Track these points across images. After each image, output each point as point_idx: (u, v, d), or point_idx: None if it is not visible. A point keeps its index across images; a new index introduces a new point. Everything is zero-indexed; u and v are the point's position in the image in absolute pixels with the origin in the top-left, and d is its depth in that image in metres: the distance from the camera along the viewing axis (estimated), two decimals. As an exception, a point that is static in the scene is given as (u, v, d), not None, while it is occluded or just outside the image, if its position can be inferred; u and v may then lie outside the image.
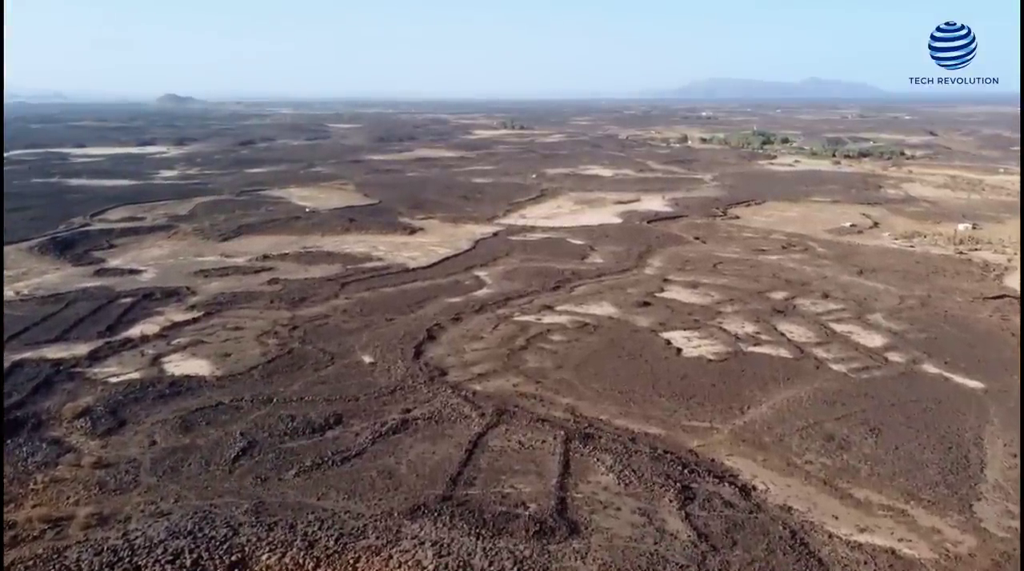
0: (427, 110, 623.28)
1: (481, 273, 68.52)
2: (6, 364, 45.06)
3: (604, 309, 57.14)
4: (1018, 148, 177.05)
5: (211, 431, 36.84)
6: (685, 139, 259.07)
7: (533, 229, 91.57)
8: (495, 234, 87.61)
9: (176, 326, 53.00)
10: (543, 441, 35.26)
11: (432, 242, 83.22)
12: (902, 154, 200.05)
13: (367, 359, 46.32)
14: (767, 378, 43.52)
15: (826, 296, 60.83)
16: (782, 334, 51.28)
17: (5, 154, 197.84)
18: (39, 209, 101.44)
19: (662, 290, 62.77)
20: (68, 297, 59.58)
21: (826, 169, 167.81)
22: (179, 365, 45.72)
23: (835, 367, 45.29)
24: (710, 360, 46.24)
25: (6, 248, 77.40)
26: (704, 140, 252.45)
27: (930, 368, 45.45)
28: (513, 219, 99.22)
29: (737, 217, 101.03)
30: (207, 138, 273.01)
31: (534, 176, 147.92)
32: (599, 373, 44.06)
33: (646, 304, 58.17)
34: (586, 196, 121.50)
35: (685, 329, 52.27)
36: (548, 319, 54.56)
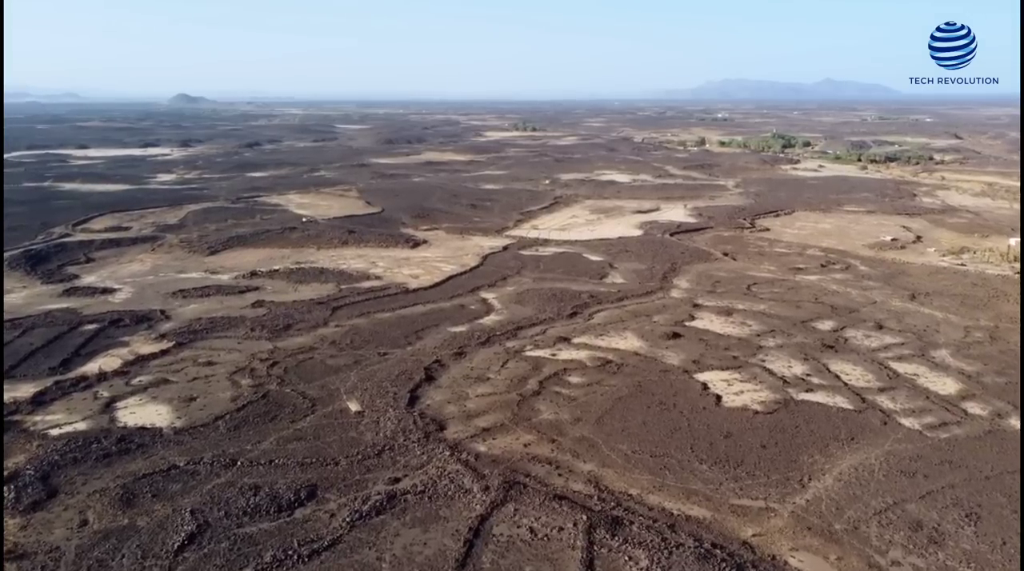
0: (438, 110, 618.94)
1: (489, 295, 61.83)
2: (-67, 410, 38.86)
3: (628, 342, 50.33)
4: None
5: (157, 507, 30.31)
6: (703, 142, 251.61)
7: (546, 242, 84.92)
8: (505, 248, 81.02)
9: (140, 360, 46.59)
10: (560, 529, 28.50)
11: (436, 257, 76.64)
12: (930, 158, 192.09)
13: (353, 407, 39.72)
14: (827, 437, 36.60)
15: (880, 326, 53.75)
16: (836, 376, 44.29)
17: (7, 155, 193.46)
18: (20, 217, 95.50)
19: (692, 318, 55.88)
20: (26, 323, 53.34)
21: (854, 175, 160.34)
22: (134, 412, 39.26)
23: (906, 422, 38.28)
24: (756, 412, 39.32)
25: (-27, 262, 71.64)
26: (723, 143, 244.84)
27: (1018, 424, 38.37)
28: (525, 230, 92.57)
29: (767, 229, 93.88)
30: (213, 139, 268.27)
31: (547, 182, 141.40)
32: (626, 429, 37.25)
33: (675, 336, 51.32)
34: (603, 204, 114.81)
35: (723, 369, 45.36)
36: (564, 354, 47.81)
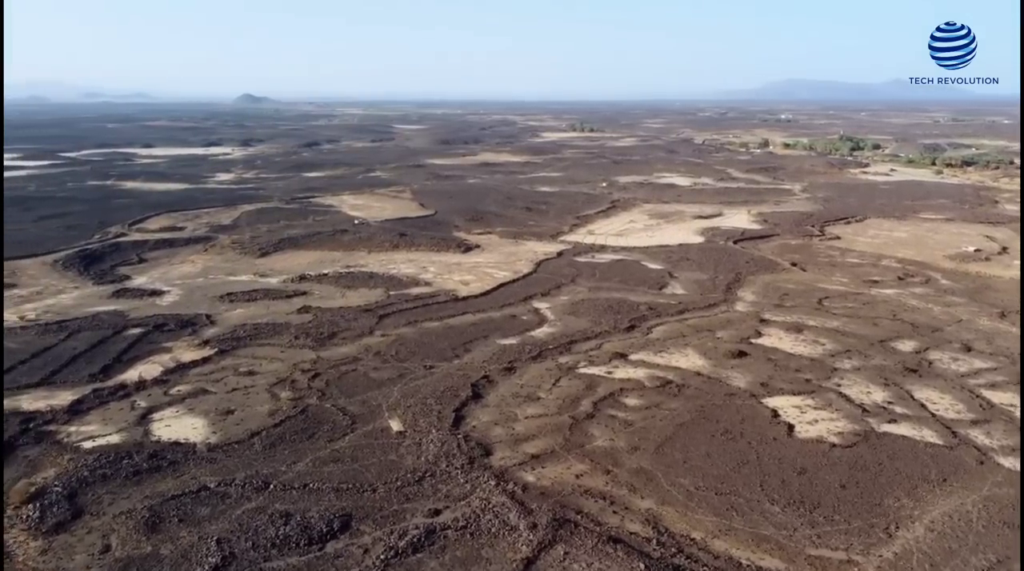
0: (495, 111, 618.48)
1: (541, 305, 59.08)
2: (-29, 418, 38.02)
3: (689, 360, 46.96)
4: None
5: (182, 533, 28.45)
6: (766, 144, 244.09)
7: (603, 248, 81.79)
8: (559, 254, 78.17)
9: (181, 368, 45.30)
10: (615, 579, 25.62)
11: (489, 263, 74.26)
12: (1011, 163, 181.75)
13: (395, 426, 37.44)
14: (915, 477, 32.79)
15: (968, 348, 49.18)
16: (922, 405, 40.22)
17: (76, 154, 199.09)
18: (79, 216, 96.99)
19: (759, 334, 52.13)
20: (73, 326, 52.72)
21: (928, 179, 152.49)
22: (170, 425, 37.73)
23: (1005, 462, 34.16)
24: (833, 445, 35.65)
25: (29, 261, 72.41)
26: (787, 145, 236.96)
27: None
28: (580, 235, 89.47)
29: (837, 237, 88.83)
30: (273, 139, 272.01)
31: (604, 185, 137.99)
32: (688, 460, 34.06)
33: (741, 354, 47.72)
34: (662, 209, 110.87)
35: (795, 394, 41.68)
36: (621, 372, 44.76)
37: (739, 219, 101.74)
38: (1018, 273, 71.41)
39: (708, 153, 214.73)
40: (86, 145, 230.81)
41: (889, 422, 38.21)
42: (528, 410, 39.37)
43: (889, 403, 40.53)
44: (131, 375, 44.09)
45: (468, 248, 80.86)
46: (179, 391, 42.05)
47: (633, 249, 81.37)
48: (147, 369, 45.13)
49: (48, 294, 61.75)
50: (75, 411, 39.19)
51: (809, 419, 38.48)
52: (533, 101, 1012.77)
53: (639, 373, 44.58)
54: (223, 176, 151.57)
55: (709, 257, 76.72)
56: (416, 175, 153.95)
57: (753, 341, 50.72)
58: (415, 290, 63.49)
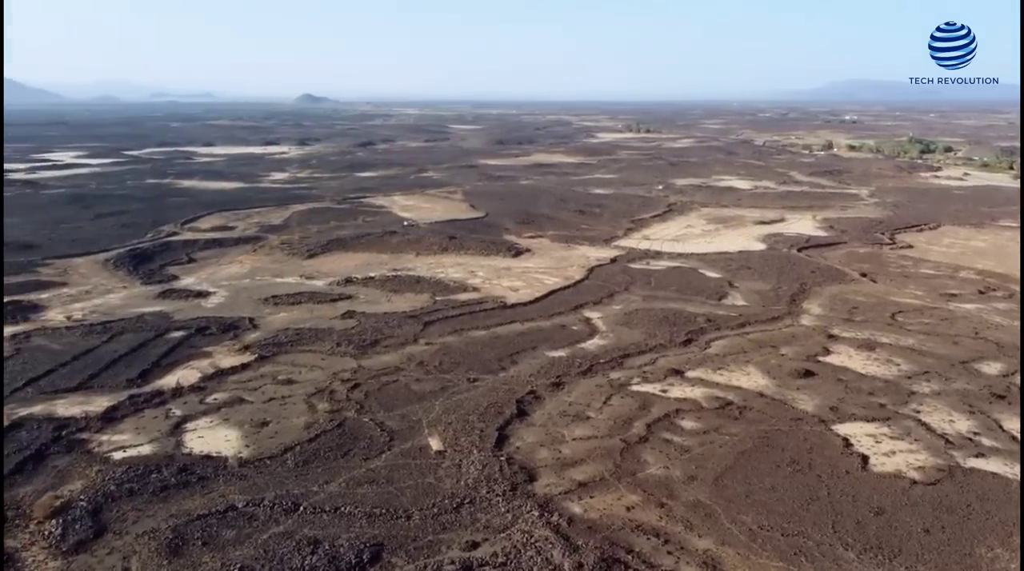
0: (550, 111, 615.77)
1: (593, 315, 56.44)
2: (6, 422, 37.27)
3: (751, 379, 43.78)
4: None
5: (205, 558, 26.81)
6: (830, 146, 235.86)
7: (658, 255, 78.55)
8: (613, 260, 75.29)
9: (219, 375, 44.16)
10: (669, 633, 22.95)
11: (539, 268, 71.84)
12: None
13: (434, 444, 35.35)
14: (1008, 522, 29.21)
15: (1062, 373, 44.82)
16: (1013, 438, 36.38)
17: (138, 152, 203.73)
18: (135, 214, 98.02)
19: (827, 352, 48.58)
20: (116, 327, 52.21)
21: (1007, 185, 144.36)
22: (203, 436, 36.38)
23: (1115, 509, 30.28)
24: (914, 481, 32.22)
25: (83, 259, 72.92)
26: (852, 147, 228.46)
27: None
28: (635, 241, 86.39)
29: (909, 246, 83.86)
30: (329, 138, 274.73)
31: (660, 187, 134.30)
32: (751, 494, 31.09)
33: (808, 373, 44.35)
34: (721, 213, 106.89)
35: (868, 421, 38.22)
36: (677, 391, 41.88)
37: (803, 225, 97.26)
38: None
39: (769, 155, 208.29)
40: (149, 143, 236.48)
41: (976, 456, 34.55)
42: (576, 431, 36.85)
43: (975, 434, 36.79)
44: (169, 381, 43.06)
45: (518, 252, 78.67)
46: (215, 399, 40.80)
47: (690, 256, 78.06)
48: (185, 375, 44.07)
49: (96, 294, 61.66)
50: (109, 418, 38.22)
51: (885, 450, 35.06)
52: (589, 101, 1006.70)
53: (696, 392, 41.65)
54: (278, 175, 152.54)
55: (771, 265, 72.94)
56: (468, 176, 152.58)
57: (821, 359, 47.23)
58: (462, 296, 61.53)
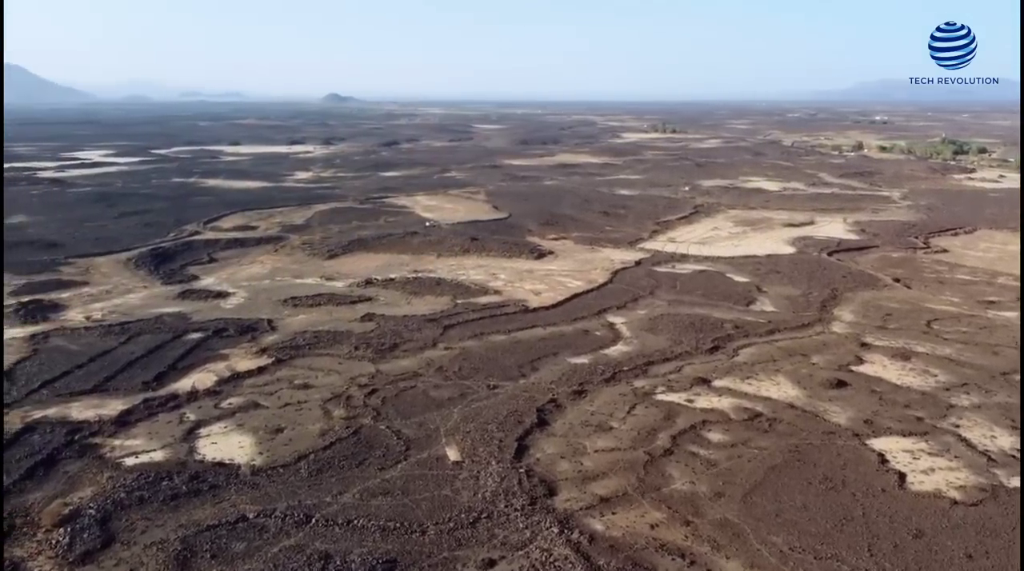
0: (576, 111, 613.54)
1: (617, 320, 55.12)
2: (19, 425, 36.90)
3: (781, 389, 42.23)
4: None
5: (213, 572, 25.96)
6: (860, 147, 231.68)
7: (684, 258, 77.02)
8: (638, 263, 73.86)
9: (235, 379, 43.48)
10: (695, 664, 21.65)
11: (562, 270, 70.64)
12: None
13: (452, 454, 34.29)
14: (1059, 549, 27.52)
15: (1110, 387, 42.73)
16: (1061, 456, 34.53)
17: (166, 151, 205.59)
18: (158, 213, 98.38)
19: (860, 361, 46.83)
20: (134, 328, 51.79)
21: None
22: (216, 443, 35.64)
23: None
24: (955, 502, 30.54)
25: (105, 258, 73.12)
26: (883, 149, 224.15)
27: None
28: (660, 243, 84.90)
29: (944, 250, 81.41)
30: (354, 138, 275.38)
31: (686, 188, 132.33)
32: (781, 513, 29.63)
33: (841, 384, 42.68)
34: (749, 215, 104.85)
35: (905, 435, 36.53)
36: (703, 401, 40.45)
37: (834, 228, 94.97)
38: None
39: (798, 156, 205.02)
40: (177, 142, 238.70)
41: (1021, 475, 32.75)
42: (599, 442, 35.60)
43: (1019, 451, 34.96)
44: (184, 384, 42.47)
45: (541, 254, 77.51)
46: (230, 404, 40.11)
47: (717, 259, 76.41)
48: (201, 378, 43.45)
49: (117, 293, 61.48)
50: (123, 422, 37.63)
51: (923, 467, 33.41)
52: (614, 101, 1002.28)
53: (724, 403, 40.18)
54: (301, 175, 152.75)
55: (801, 270, 71.06)
56: (492, 176, 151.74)
57: (854, 369, 45.53)
58: (483, 299, 60.50)
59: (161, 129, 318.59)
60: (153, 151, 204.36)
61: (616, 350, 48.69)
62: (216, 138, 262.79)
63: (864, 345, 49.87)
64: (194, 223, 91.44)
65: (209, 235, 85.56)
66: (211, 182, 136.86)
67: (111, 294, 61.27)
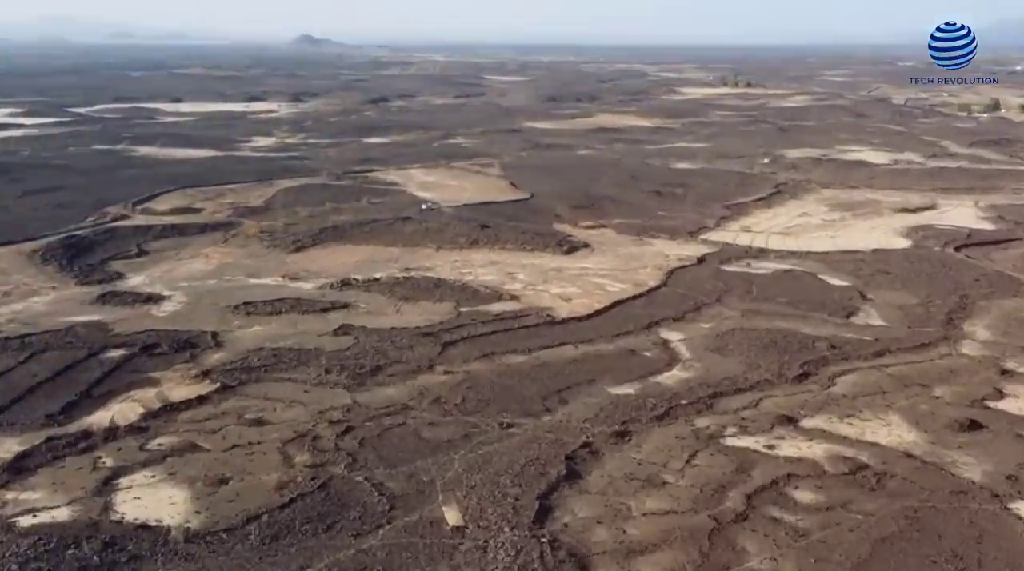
0: (620, 59, 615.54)
1: (672, 336, 55.12)
2: None
3: (893, 432, 41.69)
4: None
5: None
6: (997, 106, 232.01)
7: (763, 253, 77.46)
8: (700, 260, 74.31)
9: (168, 411, 43.62)
10: None
11: (600, 269, 71.07)
12: None
13: (451, 517, 33.87)
14: None
15: None
16: None
17: (87, 109, 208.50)
18: (75, 190, 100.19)
19: (1000, 395, 46.46)
20: (38, 343, 52.15)
21: None
22: (139, 497, 35.42)
23: None
24: None
25: (3, 250, 74.09)
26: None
27: None
28: (731, 233, 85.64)
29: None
30: (330, 93, 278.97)
31: (765, 161, 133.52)
32: (895, 603, 28.80)
33: (974, 426, 42.21)
34: (848, 197, 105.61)
35: (1062, 497, 35.70)
36: (788, 448, 39.98)
37: (962, 214, 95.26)
38: None
39: (912, 118, 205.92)
40: (101, 98, 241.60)
41: None
42: (648, 503, 35.14)
43: None
44: (100, 418, 42.60)
45: (573, 247, 78.45)
46: (160, 445, 40.10)
47: (807, 255, 76.83)
48: (122, 410, 43.58)
49: (17, 296, 62.00)
50: (18, 468, 37.57)
51: (1089, 542, 32.49)
52: (670, 45, 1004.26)
53: (816, 450, 39.76)
54: (262, 141, 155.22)
55: (919, 270, 71.11)
56: (509, 143, 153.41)
57: (991, 405, 45.21)
58: (496, 307, 60.90)
59: (82, 80, 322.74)
60: (70, 110, 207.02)
61: (672, 377, 48.81)
62: (152, 93, 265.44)
63: (1005, 372, 49.65)
64: (120, 204, 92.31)
65: (139, 220, 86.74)
66: (144, 150, 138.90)
67: (10, 297, 61.84)
